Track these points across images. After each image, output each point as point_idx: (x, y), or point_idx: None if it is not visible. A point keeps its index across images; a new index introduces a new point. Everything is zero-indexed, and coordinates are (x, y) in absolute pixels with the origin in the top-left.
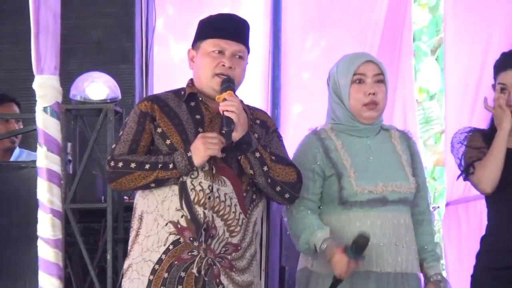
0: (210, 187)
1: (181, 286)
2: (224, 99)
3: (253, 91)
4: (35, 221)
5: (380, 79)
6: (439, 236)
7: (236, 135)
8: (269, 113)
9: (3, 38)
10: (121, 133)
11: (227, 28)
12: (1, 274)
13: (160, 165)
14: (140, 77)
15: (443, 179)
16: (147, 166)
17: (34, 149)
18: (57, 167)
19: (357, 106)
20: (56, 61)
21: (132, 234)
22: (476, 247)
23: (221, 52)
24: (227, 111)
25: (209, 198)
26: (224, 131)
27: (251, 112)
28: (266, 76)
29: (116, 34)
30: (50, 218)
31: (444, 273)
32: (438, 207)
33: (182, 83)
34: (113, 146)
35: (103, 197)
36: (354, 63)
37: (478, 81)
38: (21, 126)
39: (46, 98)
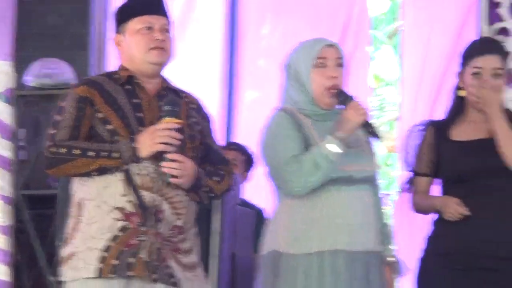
0: (156, 171)
1: (131, 272)
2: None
3: (208, 77)
4: None
5: (341, 62)
6: (390, 222)
7: (185, 186)
8: (224, 98)
9: None
10: (58, 118)
11: (149, 3)
12: None
13: (105, 154)
14: (96, 64)
15: (396, 166)
16: (90, 153)
17: None
18: (7, 153)
19: (320, 90)
20: (9, 46)
21: (72, 222)
22: (427, 233)
23: (150, 28)
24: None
25: (155, 181)
26: (164, 110)
27: (185, 95)
28: (222, 62)
29: (71, 21)
30: (0, 205)
31: None
32: (391, 194)
33: None
34: (52, 131)
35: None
36: (315, 47)
37: (436, 69)
38: None
39: None
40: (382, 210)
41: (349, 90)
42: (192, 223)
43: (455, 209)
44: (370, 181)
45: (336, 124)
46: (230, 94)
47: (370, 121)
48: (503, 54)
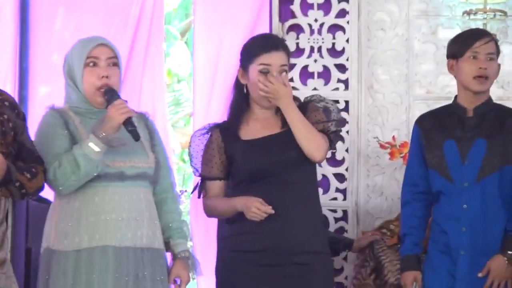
0: None
1: None
2: None
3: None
4: None
5: (114, 62)
6: (187, 219)
7: None
8: (16, 93)
9: None
10: None
11: None
12: None
13: None
14: None
15: None
16: None
17: None
18: None
19: (91, 90)
20: None
21: None
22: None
23: None
24: None
25: None
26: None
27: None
28: (13, 56)
29: None
30: None
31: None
32: (186, 190)
33: None
34: None
35: None
36: (87, 46)
37: (228, 65)
38: None
39: None
40: (170, 207)
41: (119, 89)
42: (2, 219)
43: (259, 208)
44: (146, 177)
45: (98, 122)
46: (22, 89)
47: (132, 120)
48: (287, 50)
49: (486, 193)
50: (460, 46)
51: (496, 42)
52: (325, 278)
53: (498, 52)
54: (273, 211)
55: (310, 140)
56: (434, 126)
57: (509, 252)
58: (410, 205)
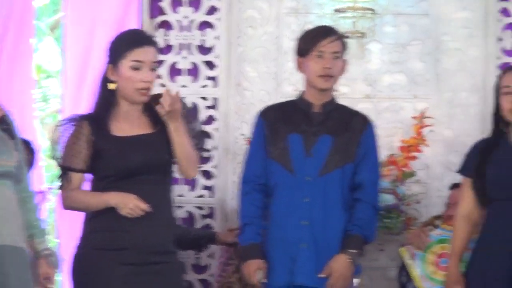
0: None
1: None
2: None
3: None
4: None
5: None
6: (53, 216)
7: None
8: None
9: None
10: None
11: None
12: None
13: None
14: None
15: None
16: None
17: None
18: None
19: None
20: None
21: None
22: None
23: None
24: None
25: None
26: None
27: None
28: None
29: None
30: None
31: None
32: (52, 188)
33: None
34: None
35: None
36: None
37: (98, 61)
38: None
39: None
40: (31, 205)
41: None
42: None
43: (138, 206)
44: (11, 176)
45: None
46: None
47: (6, 119)
48: (157, 47)
49: (328, 188)
50: (306, 44)
51: (342, 39)
52: (180, 277)
53: (344, 49)
54: (151, 210)
55: (189, 161)
56: (279, 118)
57: (350, 251)
58: (250, 195)
